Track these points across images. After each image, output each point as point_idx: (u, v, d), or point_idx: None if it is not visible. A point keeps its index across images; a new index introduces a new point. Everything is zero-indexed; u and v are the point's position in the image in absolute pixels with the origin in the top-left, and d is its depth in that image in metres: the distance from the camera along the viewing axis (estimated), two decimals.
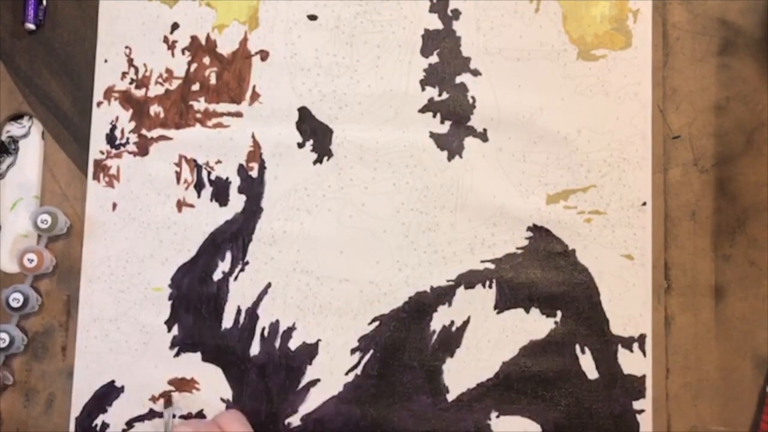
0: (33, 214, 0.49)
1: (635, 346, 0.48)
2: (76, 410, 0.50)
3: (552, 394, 0.48)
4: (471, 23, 0.50)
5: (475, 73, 0.50)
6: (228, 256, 0.50)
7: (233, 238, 0.50)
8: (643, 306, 0.48)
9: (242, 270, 0.50)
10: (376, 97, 0.50)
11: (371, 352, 0.49)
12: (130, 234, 0.50)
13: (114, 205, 0.51)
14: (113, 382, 0.50)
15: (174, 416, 0.49)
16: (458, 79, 0.50)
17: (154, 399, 0.49)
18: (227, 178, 0.50)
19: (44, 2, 0.52)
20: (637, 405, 0.48)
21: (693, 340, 0.48)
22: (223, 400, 0.49)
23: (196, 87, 0.51)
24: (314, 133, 0.50)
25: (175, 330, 0.50)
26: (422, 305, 0.49)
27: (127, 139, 0.51)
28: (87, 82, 0.51)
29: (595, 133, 0.49)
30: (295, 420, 0.49)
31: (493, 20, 0.50)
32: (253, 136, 0.50)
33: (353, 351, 0.49)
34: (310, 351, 0.49)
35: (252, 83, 0.51)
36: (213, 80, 0.51)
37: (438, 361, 0.49)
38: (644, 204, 0.49)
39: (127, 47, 0.51)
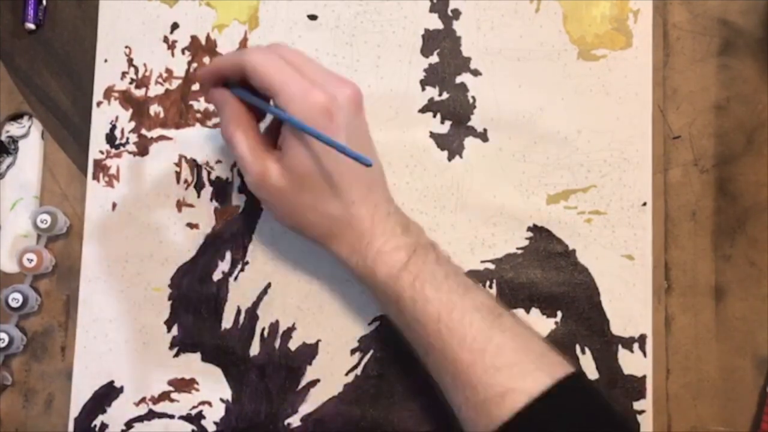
0: (33, 214, 0.49)
1: (635, 346, 0.48)
2: (75, 411, 0.49)
3: None
4: (471, 23, 0.50)
5: (476, 73, 0.50)
6: (228, 256, 0.50)
7: (233, 238, 0.50)
8: (643, 306, 0.48)
9: (242, 270, 0.50)
10: (376, 97, 0.50)
11: (371, 352, 0.49)
12: (130, 234, 0.50)
13: (114, 205, 0.51)
14: (112, 382, 0.50)
15: None
16: (458, 79, 0.50)
17: (153, 400, 0.49)
18: (227, 178, 0.50)
19: (44, 2, 0.52)
20: (637, 405, 0.48)
21: (693, 340, 0.48)
22: (222, 400, 0.49)
23: (196, 87, 0.51)
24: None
25: (174, 330, 0.50)
26: None
27: (127, 139, 0.51)
28: (87, 82, 0.51)
29: (595, 133, 0.49)
30: (295, 420, 0.49)
31: (494, 20, 0.50)
32: None
33: (353, 351, 0.49)
34: (310, 351, 0.49)
35: None
36: None
37: None
38: (644, 204, 0.49)
39: (127, 47, 0.51)
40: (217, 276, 0.50)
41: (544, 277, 0.49)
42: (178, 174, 0.51)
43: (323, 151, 0.40)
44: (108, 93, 0.51)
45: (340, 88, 0.41)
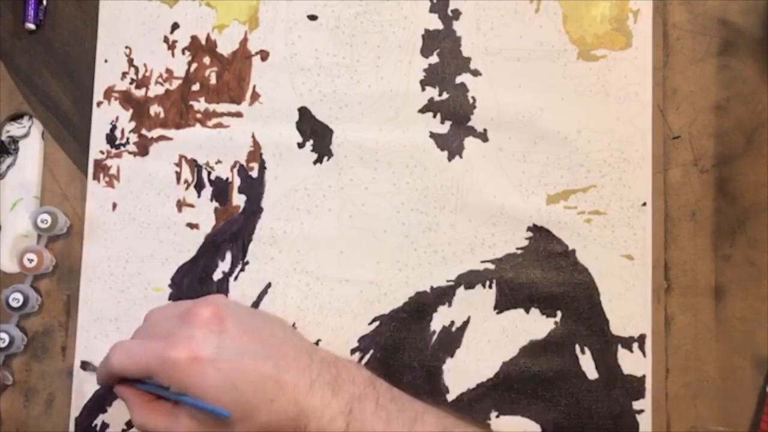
0: (33, 214, 0.49)
1: (635, 346, 0.48)
2: (75, 410, 0.50)
3: (552, 394, 0.48)
4: (471, 23, 0.50)
5: (475, 73, 0.50)
6: (228, 256, 0.50)
7: (233, 238, 0.50)
8: (643, 306, 0.48)
9: (242, 270, 0.50)
10: (376, 97, 0.50)
11: (371, 352, 0.49)
12: (130, 234, 0.50)
13: (114, 205, 0.51)
14: None
15: None
16: (458, 79, 0.50)
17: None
18: (227, 178, 0.50)
19: (44, 2, 0.52)
20: (636, 405, 0.48)
21: (693, 340, 0.48)
22: None
23: (196, 87, 0.51)
24: (314, 133, 0.50)
25: None
26: (422, 305, 0.49)
27: (127, 139, 0.51)
28: (87, 82, 0.51)
29: (595, 133, 0.49)
30: None
31: (493, 20, 0.50)
32: (253, 136, 0.50)
33: (353, 351, 0.49)
34: None
35: (252, 83, 0.51)
36: (213, 80, 0.51)
37: (438, 361, 0.49)
38: (644, 204, 0.49)
39: (127, 47, 0.51)
40: (217, 276, 0.50)
41: (544, 277, 0.49)
42: (178, 174, 0.51)
43: (228, 377, 0.40)
44: (108, 93, 0.51)
45: (194, 318, 0.42)
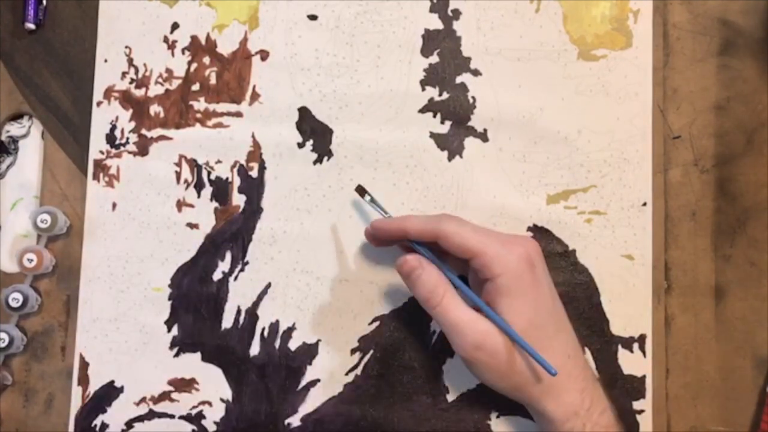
0: (33, 214, 0.49)
1: (635, 346, 0.48)
2: (75, 410, 0.49)
3: None
4: (471, 23, 0.50)
5: (476, 73, 0.50)
6: (228, 256, 0.50)
7: (233, 238, 0.50)
8: (643, 306, 0.48)
9: (242, 270, 0.50)
10: (376, 97, 0.50)
11: (371, 352, 0.49)
12: (130, 234, 0.50)
13: (114, 205, 0.51)
14: (113, 382, 0.50)
15: None
16: (458, 79, 0.50)
17: (153, 399, 0.49)
18: (227, 178, 0.50)
19: (44, 2, 0.52)
20: (637, 405, 0.48)
21: (693, 340, 0.48)
22: (222, 400, 0.49)
23: (196, 87, 0.51)
24: (314, 133, 0.50)
25: (174, 330, 0.50)
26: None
27: (127, 139, 0.51)
28: (87, 82, 0.51)
29: (595, 133, 0.49)
30: (295, 420, 0.49)
31: (494, 20, 0.50)
32: (253, 136, 0.50)
33: (353, 351, 0.49)
34: (310, 351, 0.49)
35: (252, 83, 0.51)
36: (213, 80, 0.51)
37: (438, 361, 0.49)
38: (644, 204, 0.49)
39: (127, 47, 0.51)
40: (217, 276, 0.50)
41: None
42: (178, 174, 0.51)
43: (537, 306, 0.41)
44: (108, 93, 0.51)
45: (527, 242, 0.43)
